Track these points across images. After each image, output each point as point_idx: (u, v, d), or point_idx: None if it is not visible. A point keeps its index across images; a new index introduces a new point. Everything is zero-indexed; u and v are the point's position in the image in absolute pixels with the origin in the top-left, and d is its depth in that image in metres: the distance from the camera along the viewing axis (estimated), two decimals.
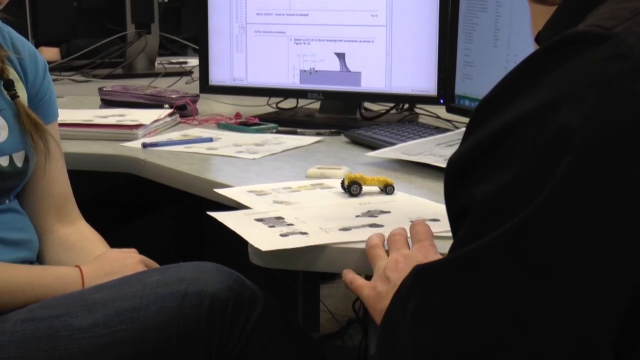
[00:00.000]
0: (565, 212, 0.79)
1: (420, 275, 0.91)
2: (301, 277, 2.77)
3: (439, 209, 1.55)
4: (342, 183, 1.69)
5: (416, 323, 0.88)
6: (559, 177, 0.78)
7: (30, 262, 1.73)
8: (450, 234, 1.32)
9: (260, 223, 1.51)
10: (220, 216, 1.54)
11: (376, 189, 1.69)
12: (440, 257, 1.24)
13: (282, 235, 1.45)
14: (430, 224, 1.35)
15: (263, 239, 1.43)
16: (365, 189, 1.68)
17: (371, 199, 1.65)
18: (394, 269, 1.24)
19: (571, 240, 0.78)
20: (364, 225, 1.49)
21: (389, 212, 1.57)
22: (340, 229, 1.47)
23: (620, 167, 0.78)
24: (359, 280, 1.29)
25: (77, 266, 1.69)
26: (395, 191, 1.68)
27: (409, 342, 0.89)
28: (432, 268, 0.89)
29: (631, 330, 0.81)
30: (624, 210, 0.78)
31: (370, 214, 1.56)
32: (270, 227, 1.49)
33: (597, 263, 0.79)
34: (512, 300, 0.81)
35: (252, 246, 1.42)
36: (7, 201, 1.73)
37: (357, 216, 1.55)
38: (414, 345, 0.88)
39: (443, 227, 1.43)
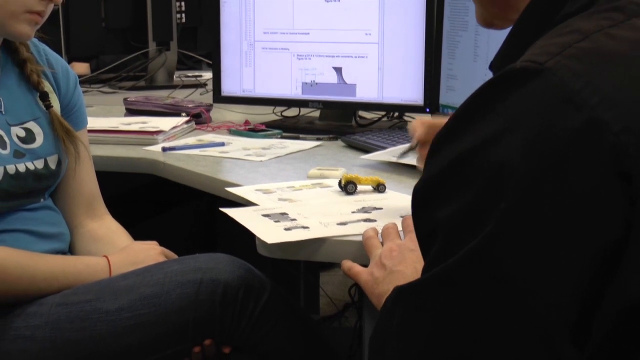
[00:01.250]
0: (514, 227, 0.79)
1: (401, 294, 0.91)
2: (303, 266, 2.77)
3: None
4: (340, 182, 1.69)
5: (400, 339, 0.89)
6: (508, 199, 0.78)
7: (63, 253, 1.73)
8: None
9: (266, 218, 1.51)
10: (231, 212, 1.55)
11: (370, 187, 1.69)
12: None
13: (286, 229, 1.45)
14: None
15: (269, 233, 1.43)
16: (360, 187, 1.68)
17: (365, 197, 1.66)
18: (388, 257, 1.24)
19: (523, 249, 0.79)
20: (359, 220, 1.49)
21: (381, 208, 1.58)
22: (338, 224, 1.47)
23: (558, 184, 0.78)
24: (356, 268, 1.29)
25: (104, 256, 1.69)
26: (386, 190, 1.68)
27: (396, 353, 0.90)
28: (411, 287, 0.89)
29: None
30: (561, 219, 0.78)
31: (364, 210, 1.57)
32: (275, 222, 1.49)
33: (550, 268, 0.79)
34: (481, 309, 0.82)
35: (259, 239, 1.42)
36: (42, 199, 1.73)
37: (353, 212, 1.55)
38: (399, 355, 0.89)
39: None
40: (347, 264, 1.32)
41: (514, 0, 0.95)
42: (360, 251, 1.35)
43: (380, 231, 1.37)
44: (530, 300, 0.80)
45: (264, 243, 1.41)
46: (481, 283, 0.81)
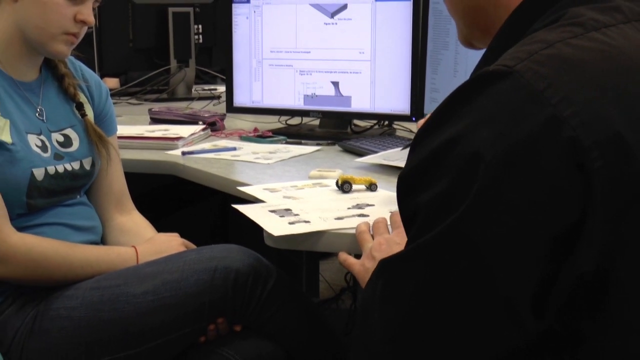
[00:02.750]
0: (484, 209, 0.79)
1: (385, 264, 0.91)
2: (304, 255, 2.76)
3: None
4: (337, 182, 1.69)
5: (383, 302, 0.89)
6: (479, 185, 0.78)
7: (96, 244, 1.74)
8: None
9: (273, 214, 1.51)
10: (242, 208, 1.55)
11: (363, 187, 1.69)
12: None
13: (290, 223, 1.45)
14: None
15: (275, 226, 1.43)
16: (354, 187, 1.68)
17: (359, 195, 1.66)
18: (378, 250, 1.24)
19: (492, 228, 0.79)
20: (353, 215, 1.50)
21: (373, 205, 1.58)
22: (335, 218, 1.48)
23: (523, 171, 0.78)
24: (350, 259, 1.29)
25: (132, 247, 1.70)
26: (378, 188, 1.69)
27: (379, 318, 0.89)
28: (394, 258, 0.89)
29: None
30: (525, 203, 0.78)
31: (358, 206, 1.57)
32: (280, 216, 1.49)
33: (514, 245, 0.79)
34: (453, 280, 0.82)
35: (266, 232, 1.43)
36: (78, 196, 1.74)
37: (349, 208, 1.55)
38: (382, 320, 0.89)
39: None
40: (343, 256, 1.32)
41: (492, 24, 0.96)
42: (355, 242, 1.35)
43: (371, 225, 1.37)
44: (496, 273, 0.80)
45: (270, 235, 1.42)
46: (453, 257, 0.81)
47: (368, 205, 1.58)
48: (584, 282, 0.79)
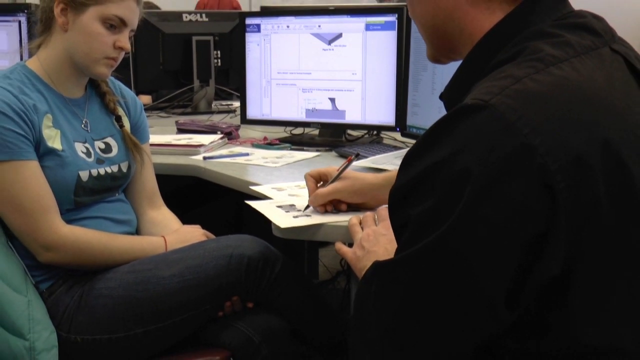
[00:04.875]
0: (467, 224, 0.79)
1: (377, 269, 0.91)
2: (306, 244, 2.76)
3: None
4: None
5: (377, 299, 0.89)
6: (463, 202, 0.78)
7: (132, 234, 1.74)
8: None
9: (279, 209, 1.51)
10: (254, 204, 1.55)
11: None
12: None
13: (294, 217, 1.45)
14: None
15: (282, 219, 1.43)
16: None
17: None
18: (366, 240, 1.23)
19: (473, 240, 0.79)
20: (347, 210, 1.49)
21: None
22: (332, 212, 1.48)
23: (500, 191, 0.77)
24: (344, 248, 1.29)
25: (162, 236, 1.70)
26: None
27: (374, 313, 0.89)
28: (386, 264, 0.89)
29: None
30: (502, 217, 0.78)
31: None
32: (286, 211, 1.49)
33: (491, 253, 0.79)
34: (440, 282, 0.82)
35: (274, 224, 1.42)
36: (116, 194, 1.74)
37: None
38: (377, 314, 0.89)
39: None
40: (338, 245, 1.32)
41: (456, 46, 0.96)
42: (348, 233, 1.35)
43: (361, 219, 1.37)
44: (477, 276, 0.80)
45: (278, 227, 1.42)
46: (440, 264, 0.81)
47: None
48: (550, 282, 0.79)
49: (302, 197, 1.61)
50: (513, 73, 0.83)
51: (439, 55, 1.01)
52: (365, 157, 2.01)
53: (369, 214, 1.34)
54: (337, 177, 1.47)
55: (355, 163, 1.94)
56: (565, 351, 0.82)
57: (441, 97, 1.00)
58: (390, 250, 1.14)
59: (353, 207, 1.48)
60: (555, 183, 0.77)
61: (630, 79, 0.90)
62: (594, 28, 0.90)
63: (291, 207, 1.52)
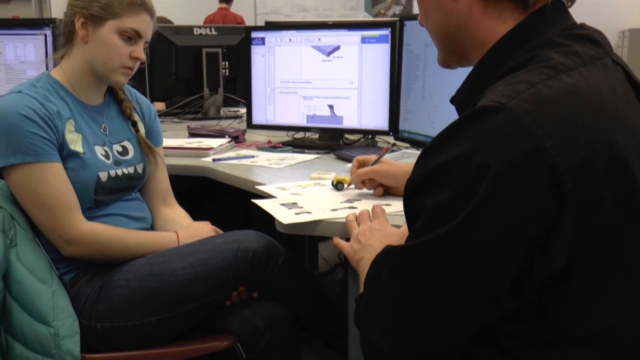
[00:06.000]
0: (479, 217, 0.78)
1: (390, 253, 0.91)
2: (307, 238, 2.76)
3: (390, 198, 1.56)
4: (332, 182, 1.69)
5: (388, 281, 0.89)
6: (479, 196, 0.77)
7: (147, 230, 1.74)
8: (395, 211, 1.32)
9: (282, 206, 1.51)
10: (259, 202, 1.55)
11: (352, 186, 1.68)
12: (390, 226, 1.25)
13: (296, 213, 1.45)
14: (384, 207, 1.36)
15: (284, 216, 1.43)
16: (346, 186, 1.68)
17: (350, 192, 1.65)
18: (363, 234, 1.23)
19: (484, 232, 0.78)
20: (345, 208, 1.49)
21: (360, 199, 1.57)
22: (331, 210, 1.48)
23: (513, 187, 0.77)
24: (342, 242, 1.29)
25: (174, 232, 1.70)
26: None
27: (384, 294, 0.89)
28: (399, 249, 0.89)
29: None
30: (513, 212, 0.77)
31: (349, 201, 1.56)
32: (289, 209, 1.49)
33: (499, 245, 0.79)
34: (449, 270, 0.82)
35: (277, 220, 1.42)
36: (133, 193, 1.74)
37: (342, 202, 1.55)
38: (387, 296, 0.89)
39: (392, 209, 1.45)
40: (336, 239, 1.32)
41: (468, 53, 0.95)
42: (345, 229, 1.34)
43: (357, 215, 1.37)
44: (485, 267, 0.80)
45: (280, 223, 1.42)
46: (451, 253, 0.81)
47: (357, 200, 1.57)
48: (552, 273, 0.79)
49: (303, 196, 1.61)
50: (527, 79, 0.83)
51: (449, 61, 1.00)
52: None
53: (364, 211, 1.34)
54: (376, 162, 1.59)
55: (350, 165, 1.94)
56: (557, 335, 0.82)
57: (452, 100, 0.99)
58: (385, 244, 1.13)
59: (386, 193, 1.59)
60: (563, 183, 0.77)
61: (629, 88, 0.90)
62: (596, 39, 0.90)
63: (293, 204, 1.52)
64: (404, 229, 1.23)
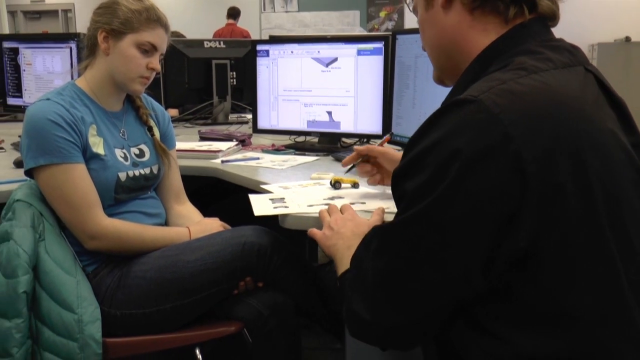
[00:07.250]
0: (450, 197, 0.79)
1: (378, 231, 0.92)
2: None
3: (372, 194, 1.56)
4: (330, 182, 1.69)
5: (375, 256, 0.89)
6: (450, 177, 0.79)
7: (161, 225, 1.73)
8: (366, 209, 1.30)
9: (269, 201, 1.51)
10: (251, 196, 1.55)
11: (349, 185, 1.68)
12: (359, 217, 1.26)
13: (274, 207, 1.45)
14: (359, 205, 1.35)
15: (260, 208, 1.43)
16: (343, 185, 1.68)
17: (347, 191, 1.65)
18: (335, 223, 1.23)
19: (454, 211, 0.79)
20: (320, 204, 1.47)
21: (342, 197, 1.56)
22: (307, 206, 1.46)
23: (481, 169, 0.78)
24: (315, 230, 1.28)
25: (186, 227, 1.70)
26: (359, 187, 1.68)
27: (369, 268, 0.90)
28: (385, 226, 0.90)
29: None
30: (480, 192, 0.78)
31: (330, 199, 1.55)
32: (273, 203, 1.49)
33: (469, 225, 0.79)
34: (426, 247, 0.82)
35: (281, 215, 1.41)
36: (149, 192, 1.74)
37: (324, 199, 1.53)
38: (373, 269, 0.89)
39: (366, 207, 1.44)
40: (311, 230, 1.31)
41: (457, 67, 0.96)
42: (315, 223, 1.34)
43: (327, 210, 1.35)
44: (454, 241, 0.80)
45: (282, 218, 1.42)
46: (426, 228, 0.82)
47: (339, 197, 1.56)
48: (518, 252, 0.80)
49: (297, 193, 1.60)
50: (500, 77, 0.85)
51: (443, 77, 1.02)
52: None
53: (334, 205, 1.34)
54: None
55: (348, 166, 1.94)
56: (527, 316, 0.82)
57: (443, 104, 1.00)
58: (356, 232, 1.16)
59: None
60: (526, 168, 0.77)
61: (600, 94, 0.90)
62: (571, 51, 0.92)
63: (280, 200, 1.52)
64: (373, 219, 1.25)
